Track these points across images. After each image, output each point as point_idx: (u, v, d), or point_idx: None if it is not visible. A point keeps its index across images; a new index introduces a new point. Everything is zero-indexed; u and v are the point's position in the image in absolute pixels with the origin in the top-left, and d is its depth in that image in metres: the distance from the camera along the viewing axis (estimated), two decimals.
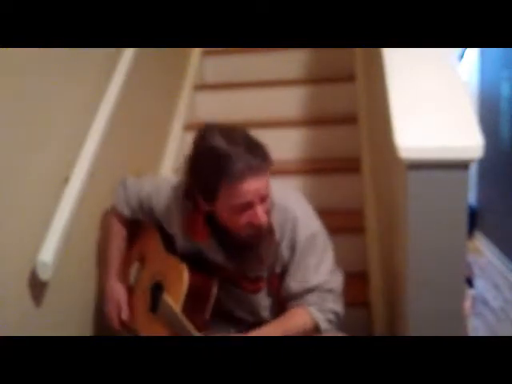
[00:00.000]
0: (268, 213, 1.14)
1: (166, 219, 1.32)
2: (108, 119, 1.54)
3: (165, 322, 1.25)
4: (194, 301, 1.23)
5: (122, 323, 1.35)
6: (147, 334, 1.31)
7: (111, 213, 1.44)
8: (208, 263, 1.27)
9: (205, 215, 1.19)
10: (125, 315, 1.33)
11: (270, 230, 1.18)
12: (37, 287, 1.20)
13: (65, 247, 1.24)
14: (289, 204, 1.21)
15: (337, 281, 1.23)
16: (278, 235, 1.19)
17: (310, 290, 1.19)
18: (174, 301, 1.23)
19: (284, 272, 1.22)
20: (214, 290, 1.25)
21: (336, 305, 1.21)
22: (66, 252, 1.26)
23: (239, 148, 1.06)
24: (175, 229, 1.29)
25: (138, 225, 1.45)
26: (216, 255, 1.25)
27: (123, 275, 1.42)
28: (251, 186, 1.06)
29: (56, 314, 1.29)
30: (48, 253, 1.19)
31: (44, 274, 1.18)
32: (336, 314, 1.20)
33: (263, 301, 1.27)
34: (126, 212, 1.39)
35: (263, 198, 1.10)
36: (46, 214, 1.25)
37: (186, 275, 1.22)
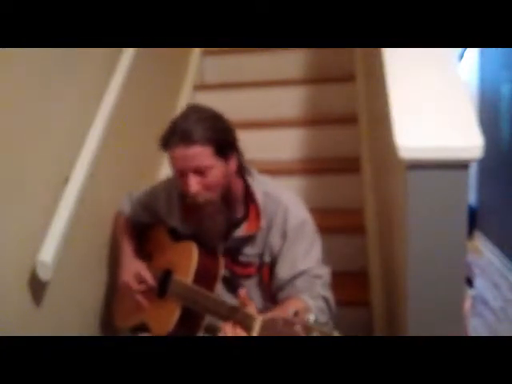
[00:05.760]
0: (210, 188, 1.17)
1: (167, 214, 1.37)
2: (108, 119, 1.54)
3: (177, 299, 1.25)
4: (203, 280, 1.24)
5: (139, 296, 1.33)
6: (155, 322, 1.31)
7: (118, 216, 1.52)
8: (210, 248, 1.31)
9: None
10: (151, 281, 1.31)
11: (225, 207, 1.23)
12: (37, 287, 1.20)
13: (65, 247, 1.25)
14: (280, 195, 1.27)
15: (325, 270, 1.26)
16: (267, 223, 1.25)
17: (298, 275, 1.21)
18: (184, 277, 1.24)
19: (274, 263, 1.26)
20: (221, 270, 1.27)
21: (325, 291, 1.22)
22: (66, 252, 1.26)
23: (182, 120, 1.15)
24: (176, 219, 1.34)
25: (144, 229, 1.48)
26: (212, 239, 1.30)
27: None
28: (177, 153, 1.14)
29: (56, 313, 1.29)
30: (48, 253, 1.19)
31: (44, 274, 1.19)
32: (326, 300, 1.21)
33: (253, 289, 1.30)
34: (132, 215, 1.49)
35: (197, 170, 1.15)
36: (45, 214, 1.25)
37: (195, 250, 1.26)
